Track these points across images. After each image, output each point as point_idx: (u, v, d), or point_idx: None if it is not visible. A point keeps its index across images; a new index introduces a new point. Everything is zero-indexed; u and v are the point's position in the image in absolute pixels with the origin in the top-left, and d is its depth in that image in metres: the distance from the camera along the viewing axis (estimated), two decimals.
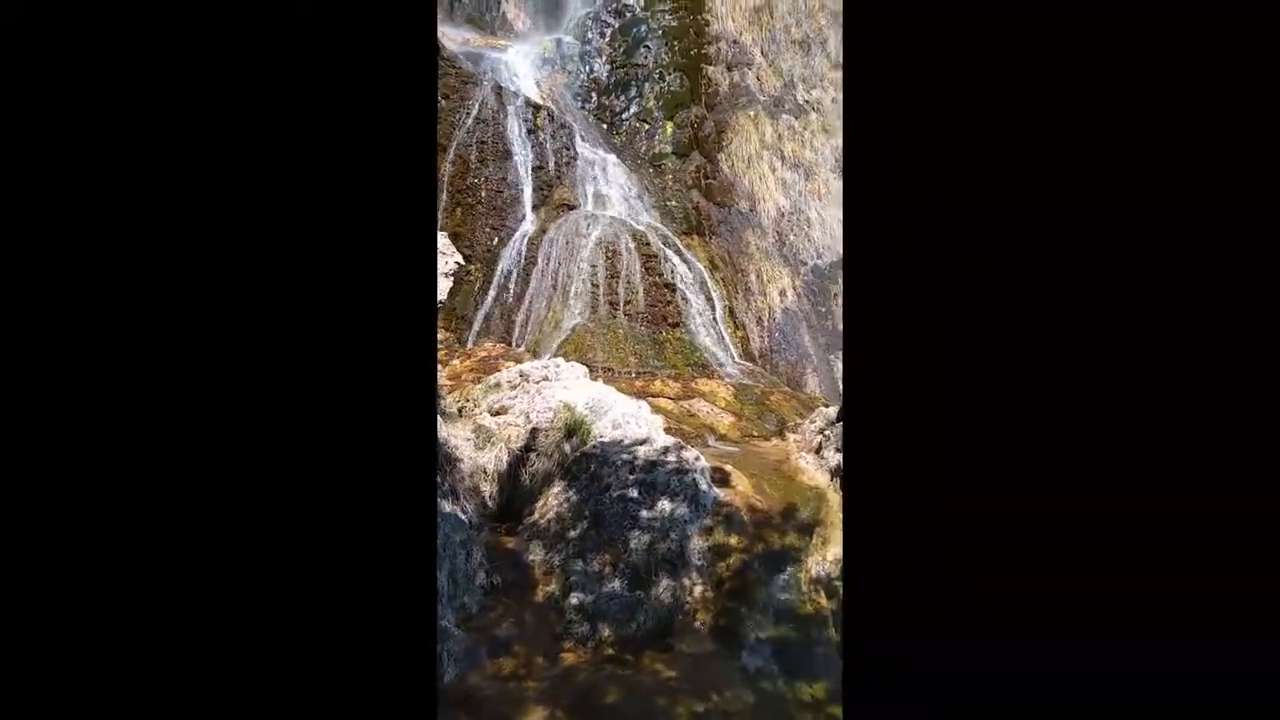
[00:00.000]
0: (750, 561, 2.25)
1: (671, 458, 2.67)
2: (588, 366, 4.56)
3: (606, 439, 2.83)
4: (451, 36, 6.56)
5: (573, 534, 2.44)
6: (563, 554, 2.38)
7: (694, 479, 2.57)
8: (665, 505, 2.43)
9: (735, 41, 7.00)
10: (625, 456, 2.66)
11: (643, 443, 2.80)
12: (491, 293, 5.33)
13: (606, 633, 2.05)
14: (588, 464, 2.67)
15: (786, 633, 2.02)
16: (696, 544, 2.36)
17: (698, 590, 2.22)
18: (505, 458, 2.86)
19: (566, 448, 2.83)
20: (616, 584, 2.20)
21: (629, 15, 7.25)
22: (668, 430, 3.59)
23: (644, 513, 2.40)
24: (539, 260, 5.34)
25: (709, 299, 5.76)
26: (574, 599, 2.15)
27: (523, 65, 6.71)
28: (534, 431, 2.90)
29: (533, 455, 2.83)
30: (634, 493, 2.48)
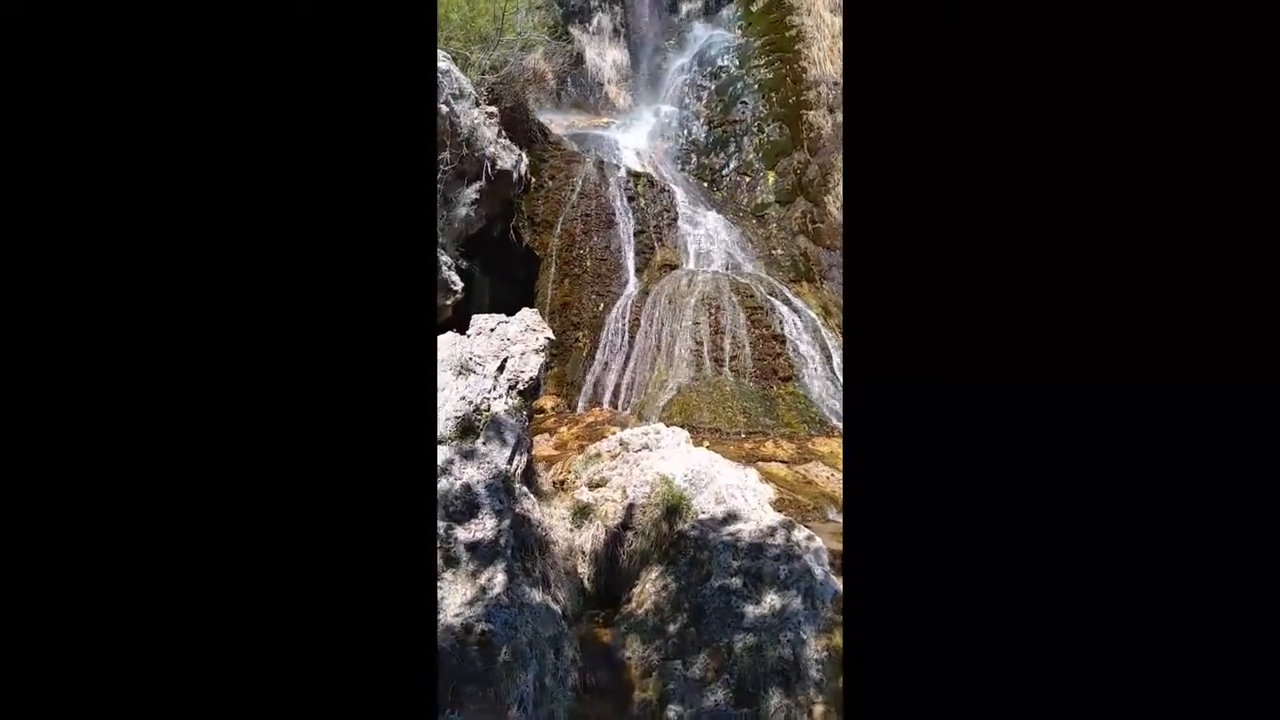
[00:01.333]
0: None
1: (779, 539, 2.36)
2: (693, 428, 4.38)
3: (706, 516, 2.60)
4: (558, 122, 7.09)
5: (671, 629, 2.21)
6: (661, 652, 2.15)
7: (808, 565, 2.24)
8: (774, 599, 2.13)
9: (835, 84, 6.78)
10: (727, 538, 2.40)
11: (749, 520, 2.53)
12: (599, 357, 5.42)
13: None
14: (686, 547, 2.45)
15: None
16: (813, 649, 2.01)
17: (817, 711, 1.86)
18: (603, 536, 2.73)
19: (665, 526, 2.63)
20: (720, 696, 1.92)
21: (725, 75, 7.38)
22: (780, 501, 3.26)
23: (749, 608, 2.12)
24: (642, 322, 5.35)
25: (824, 348, 5.36)
26: (671, 712, 1.91)
27: (624, 138, 7.04)
28: (631, 507, 2.75)
29: (630, 534, 2.67)
30: (737, 582, 2.21)
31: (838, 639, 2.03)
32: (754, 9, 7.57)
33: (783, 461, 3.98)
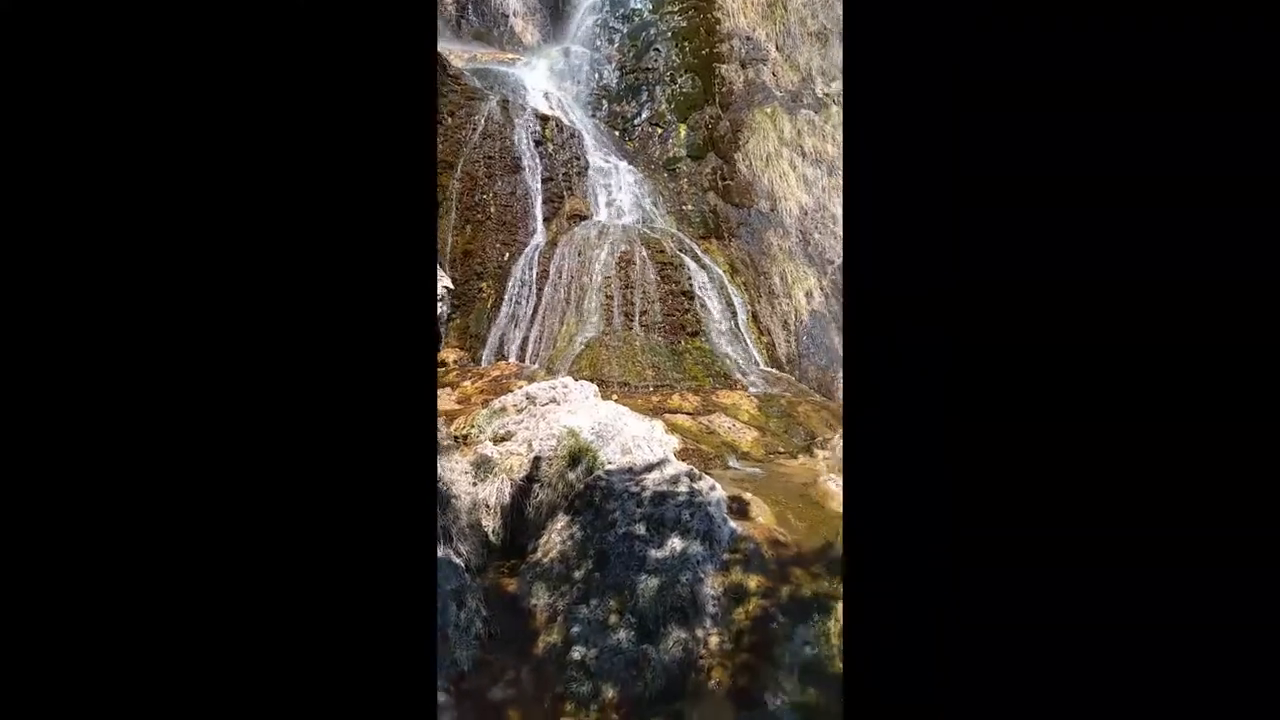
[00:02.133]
0: (772, 609, 2.00)
1: (683, 487, 2.45)
2: (602, 382, 4.38)
3: (613, 467, 2.63)
4: (458, 54, 6.52)
5: (577, 575, 2.24)
6: (567, 598, 2.19)
7: (708, 511, 2.34)
8: (676, 543, 2.21)
9: (748, 38, 6.76)
10: (633, 487, 2.45)
11: (652, 470, 2.59)
12: (504, 309, 5.21)
13: (611, 694, 1.84)
14: (592, 496, 2.47)
15: (813, 697, 1.77)
16: (711, 588, 2.13)
17: (713, 642, 1.99)
18: (508, 489, 2.68)
19: (571, 477, 2.64)
20: (622, 635, 1.99)
21: (637, 20, 7.10)
22: (684, 451, 3.37)
23: (652, 552, 2.19)
24: (550, 273, 5.20)
25: (729, 304, 5.51)
26: (576, 653, 1.95)
27: (530, 78, 6.62)
28: (537, 460, 2.72)
29: (536, 486, 2.65)
30: (641, 529, 2.27)
31: (734, 577, 2.17)
32: None
33: (688, 413, 4.11)
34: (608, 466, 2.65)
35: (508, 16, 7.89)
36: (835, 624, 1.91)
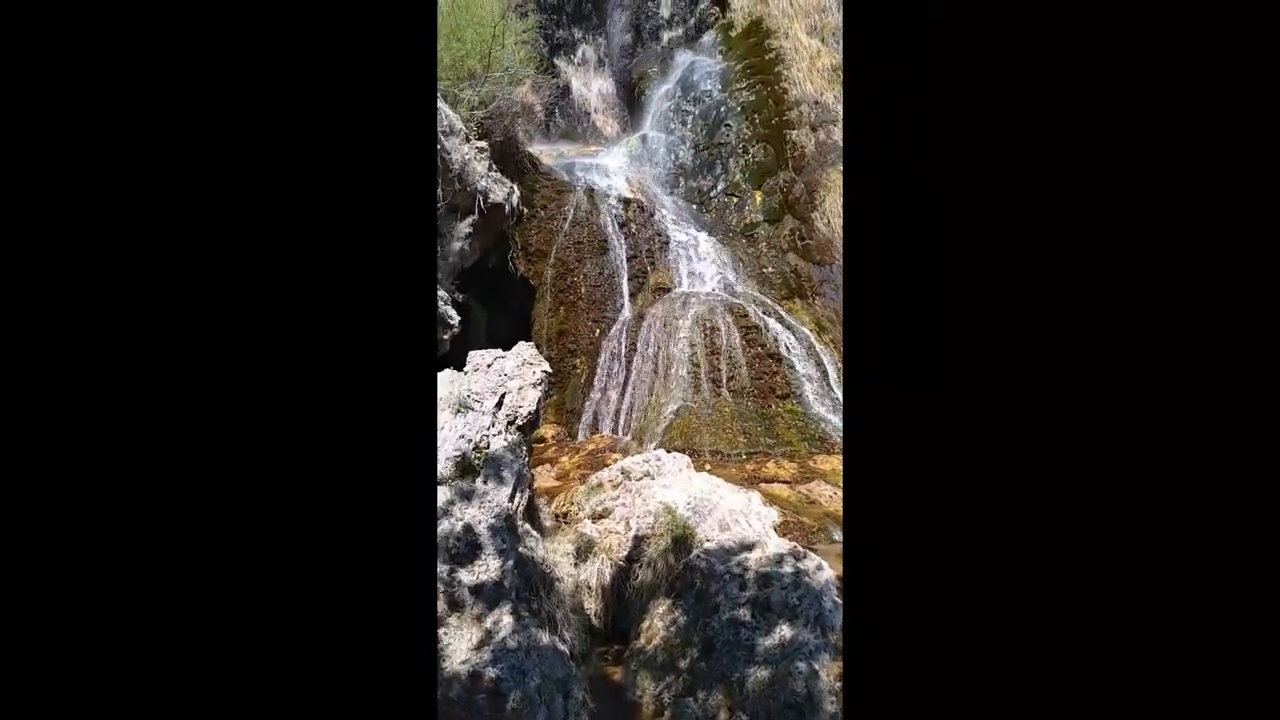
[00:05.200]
0: None
1: (788, 568, 2.34)
2: (694, 452, 4.36)
3: (712, 545, 2.58)
4: (547, 152, 7.19)
5: (682, 664, 2.18)
6: (673, 689, 2.12)
7: (817, 594, 2.22)
8: (785, 630, 2.11)
9: (816, 102, 6.91)
10: (734, 568, 2.38)
11: (754, 548, 2.51)
12: (596, 383, 5.42)
13: None
14: (692, 578, 2.42)
15: None
16: (827, 680, 1.98)
17: None
18: (608, 570, 2.70)
19: (671, 558, 2.61)
20: None
21: (708, 100, 7.52)
22: (785, 525, 3.24)
23: (760, 640, 2.09)
24: (639, 346, 5.37)
25: (819, 363, 5.37)
26: None
27: (613, 166, 7.14)
28: (636, 539, 2.73)
29: (636, 567, 2.65)
30: (746, 614, 2.19)
31: None
32: (733, 35, 7.75)
33: (785, 482, 3.97)
34: (706, 545, 2.60)
35: (589, 114, 8.65)
36: None
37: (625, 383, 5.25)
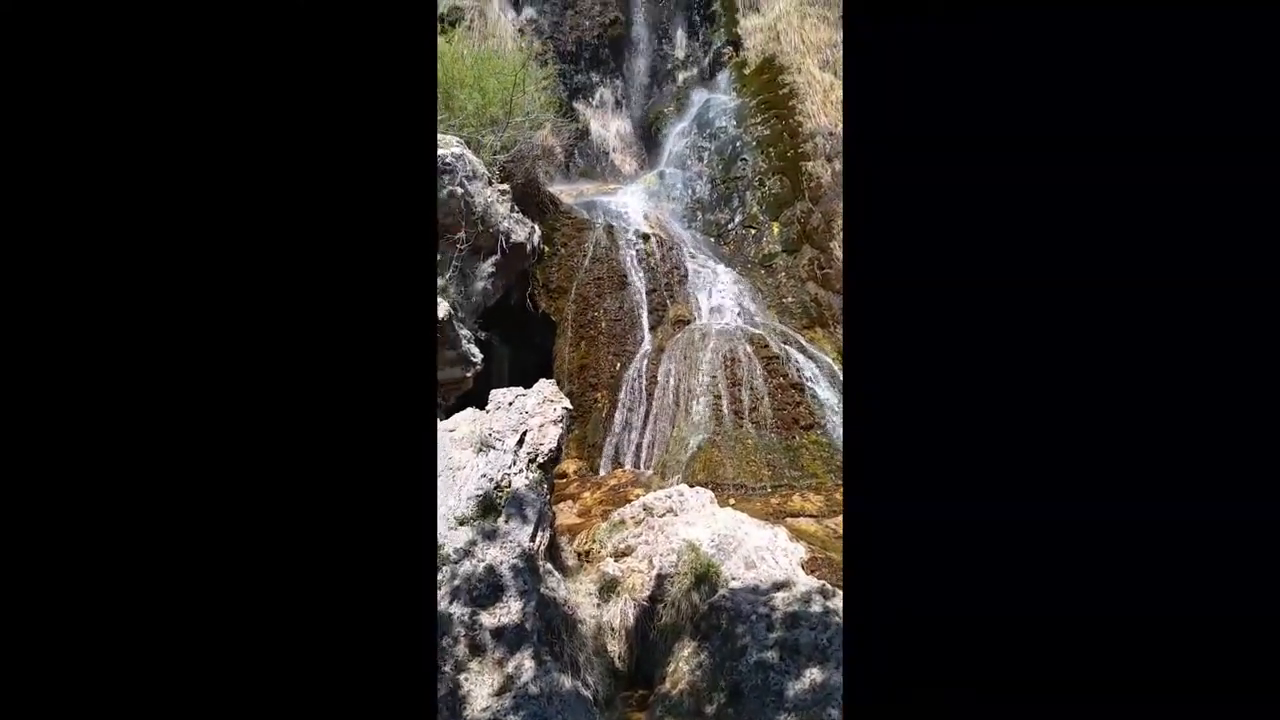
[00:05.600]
0: None
1: (816, 607, 2.27)
2: (718, 485, 4.30)
3: (738, 584, 2.52)
4: (567, 191, 7.39)
5: (709, 710, 2.11)
6: None
7: None
8: (815, 674, 2.03)
9: (831, 134, 6.99)
10: (760, 608, 2.32)
11: (781, 587, 2.44)
12: (618, 417, 5.42)
13: None
14: (718, 619, 2.36)
15: None
16: None
17: None
18: (631, 611, 2.65)
19: (695, 597, 2.56)
20: None
21: (723, 136, 7.67)
22: (813, 561, 3.15)
23: (790, 685, 2.02)
24: (659, 378, 5.37)
25: (842, 393, 5.29)
26: None
27: (631, 202, 7.29)
28: (658, 578, 2.68)
29: (659, 607, 2.60)
30: (774, 657, 2.12)
31: None
32: (746, 72, 7.94)
33: (811, 516, 3.88)
34: (732, 583, 2.54)
35: (608, 153, 8.89)
36: None
37: (647, 416, 5.23)
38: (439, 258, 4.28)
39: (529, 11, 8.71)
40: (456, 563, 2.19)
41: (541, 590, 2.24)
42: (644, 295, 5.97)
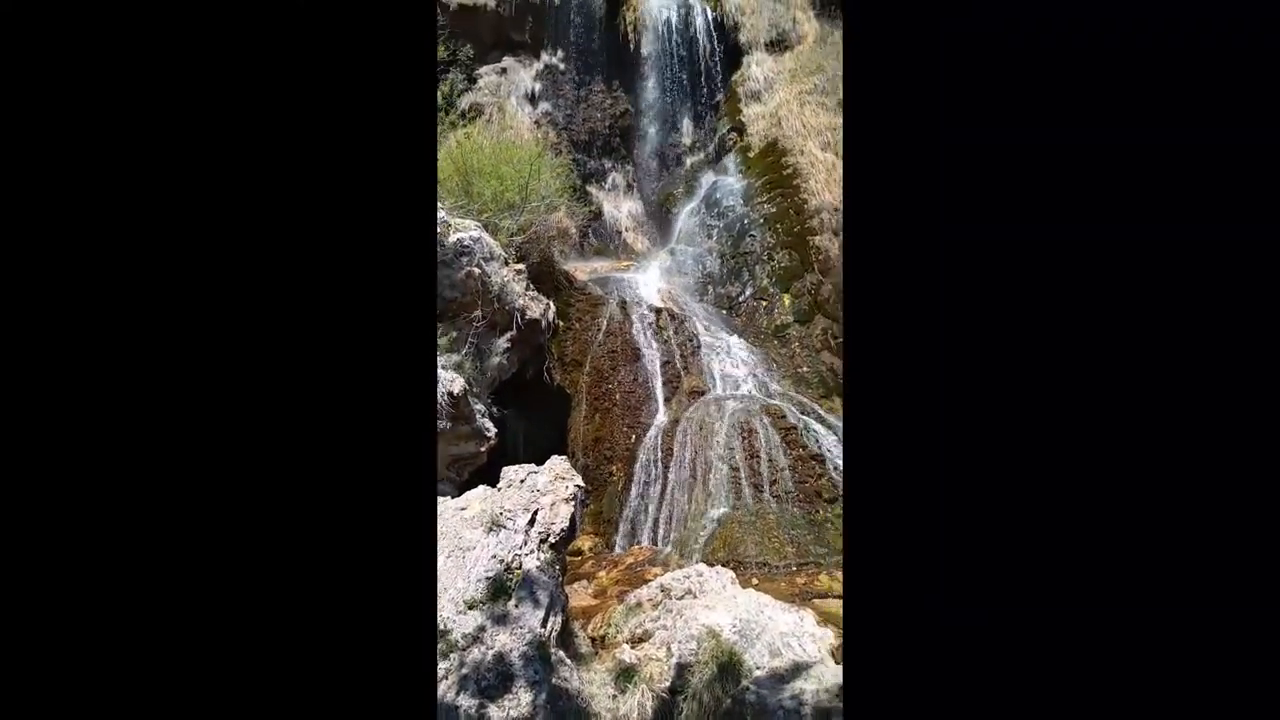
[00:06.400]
0: None
1: None
2: (739, 564, 4.11)
3: (763, 674, 2.34)
4: (582, 268, 7.65)
5: None
6: None
7: None
8: None
9: (836, 209, 7.25)
10: (788, 701, 2.15)
11: (810, 677, 2.27)
12: (633, 491, 5.30)
13: None
14: (743, 712, 2.18)
15: None
16: None
17: None
18: (650, 704, 2.47)
19: (718, 689, 2.38)
20: None
21: (731, 214, 8.00)
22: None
23: None
24: (675, 450, 5.29)
25: None
26: None
27: (644, 278, 7.51)
28: (678, 667, 2.51)
29: (680, 700, 2.41)
30: None
31: None
32: (751, 155, 8.38)
33: (839, 597, 3.65)
34: (756, 673, 2.37)
35: (621, 232, 9.28)
36: None
37: (663, 489, 5.11)
38: (454, 335, 4.39)
39: (544, 106, 9.41)
40: (465, 649, 2.08)
41: (553, 680, 2.11)
42: (658, 367, 6.01)
